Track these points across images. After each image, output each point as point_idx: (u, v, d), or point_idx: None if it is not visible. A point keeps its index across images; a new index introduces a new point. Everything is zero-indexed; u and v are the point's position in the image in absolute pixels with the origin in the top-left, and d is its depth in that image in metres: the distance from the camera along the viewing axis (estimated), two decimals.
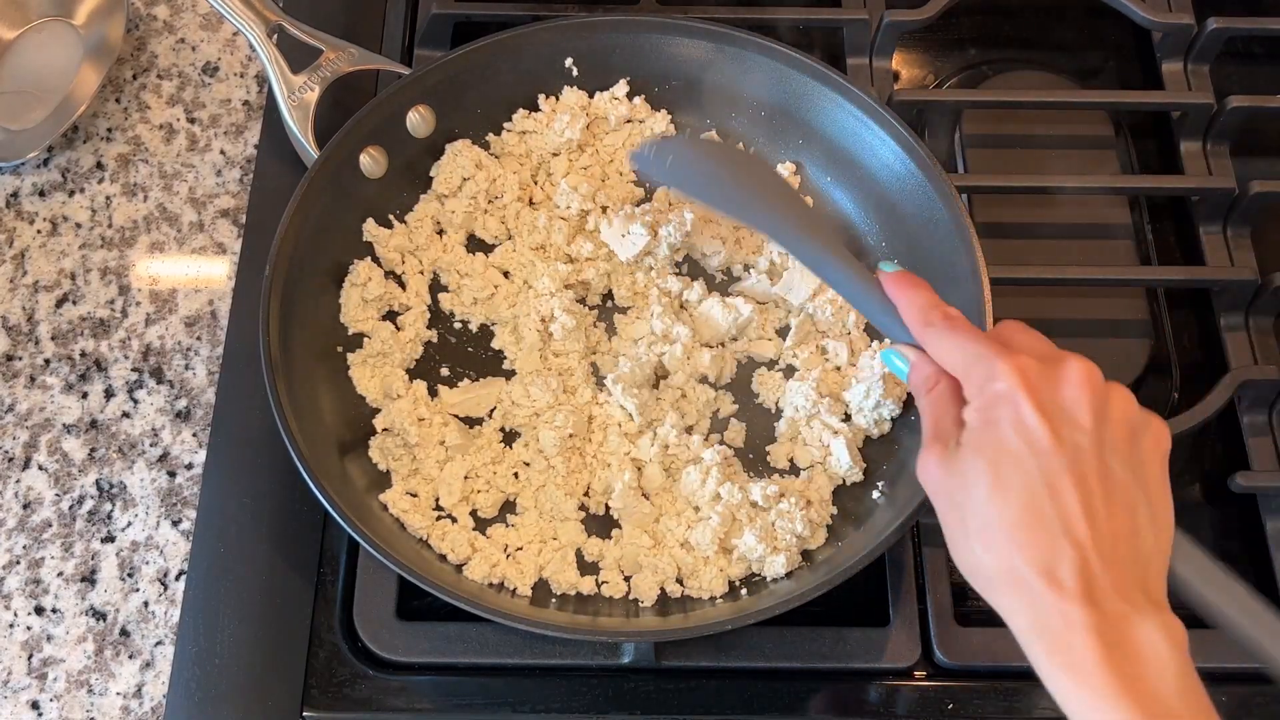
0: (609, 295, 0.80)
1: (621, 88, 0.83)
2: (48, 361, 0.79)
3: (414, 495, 0.72)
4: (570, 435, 0.73)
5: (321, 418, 0.72)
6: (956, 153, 0.88)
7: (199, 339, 0.80)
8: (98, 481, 0.76)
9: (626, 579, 0.71)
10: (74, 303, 0.81)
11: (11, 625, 0.72)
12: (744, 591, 0.70)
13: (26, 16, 0.89)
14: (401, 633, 0.69)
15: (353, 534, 0.65)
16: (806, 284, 0.78)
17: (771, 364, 0.78)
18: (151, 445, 0.77)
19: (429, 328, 0.78)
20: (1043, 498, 0.51)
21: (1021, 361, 0.54)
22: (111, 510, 0.75)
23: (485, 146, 0.82)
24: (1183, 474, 0.79)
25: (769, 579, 0.70)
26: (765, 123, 0.82)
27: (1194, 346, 0.83)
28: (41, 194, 0.85)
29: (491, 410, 0.76)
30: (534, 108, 0.83)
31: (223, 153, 0.87)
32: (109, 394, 0.78)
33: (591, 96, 0.83)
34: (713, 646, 0.69)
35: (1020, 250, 0.83)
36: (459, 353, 0.78)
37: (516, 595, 0.69)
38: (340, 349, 0.76)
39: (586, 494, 0.73)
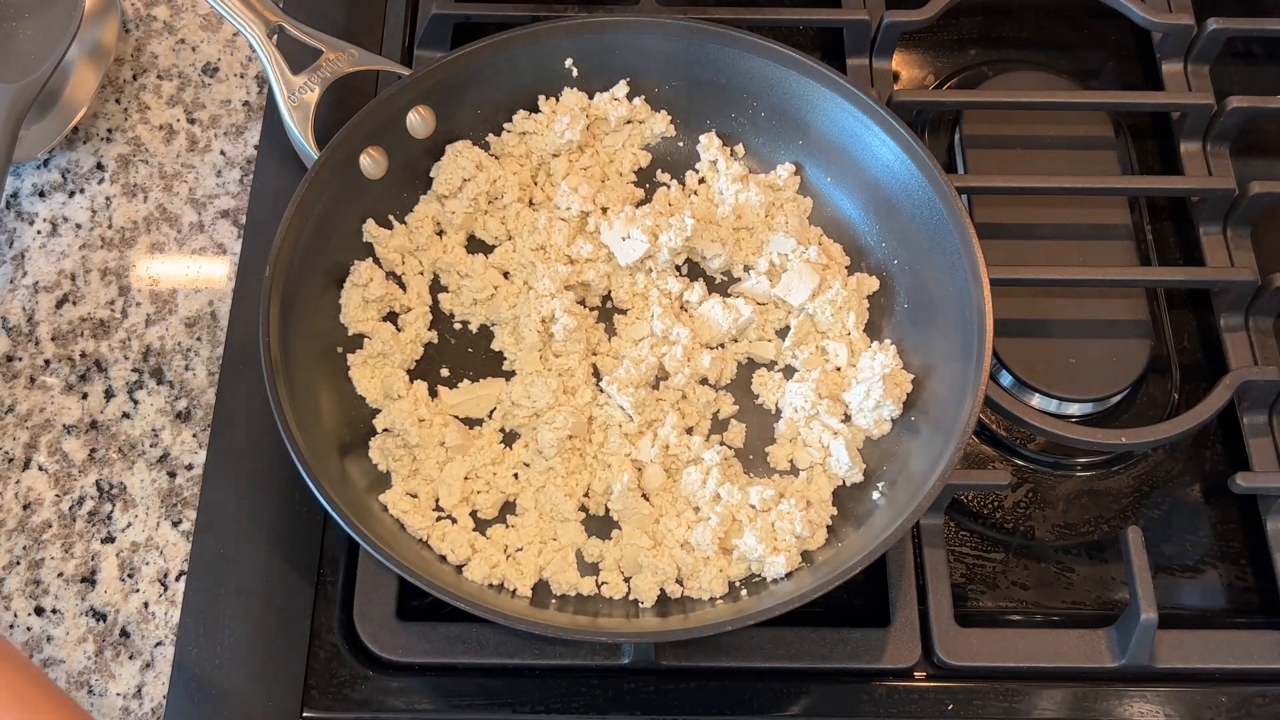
0: (609, 296, 0.80)
1: (621, 88, 0.83)
2: (48, 362, 0.79)
3: (414, 496, 0.72)
4: (570, 436, 0.73)
5: (321, 418, 0.72)
6: (956, 153, 0.88)
7: (199, 339, 0.80)
8: (98, 482, 0.76)
9: (626, 580, 0.71)
10: (74, 303, 0.81)
11: (11, 626, 0.72)
12: (744, 592, 0.70)
13: None
14: (401, 633, 0.69)
15: (353, 535, 0.65)
16: (806, 285, 0.78)
17: (771, 365, 0.78)
18: (151, 446, 0.77)
19: (429, 329, 0.78)
20: None
21: None
22: (111, 511, 0.75)
23: (485, 147, 0.82)
24: (1183, 475, 0.79)
25: (769, 579, 0.70)
26: (765, 123, 0.82)
27: (1194, 347, 0.83)
28: (41, 194, 0.85)
29: (491, 411, 0.76)
30: (534, 108, 0.83)
31: (223, 153, 0.87)
32: (109, 394, 0.78)
33: (591, 97, 0.83)
34: (713, 647, 0.69)
35: (1020, 251, 0.83)
36: (459, 353, 0.78)
37: (516, 596, 0.69)
38: (340, 349, 0.76)
39: (586, 495, 0.73)
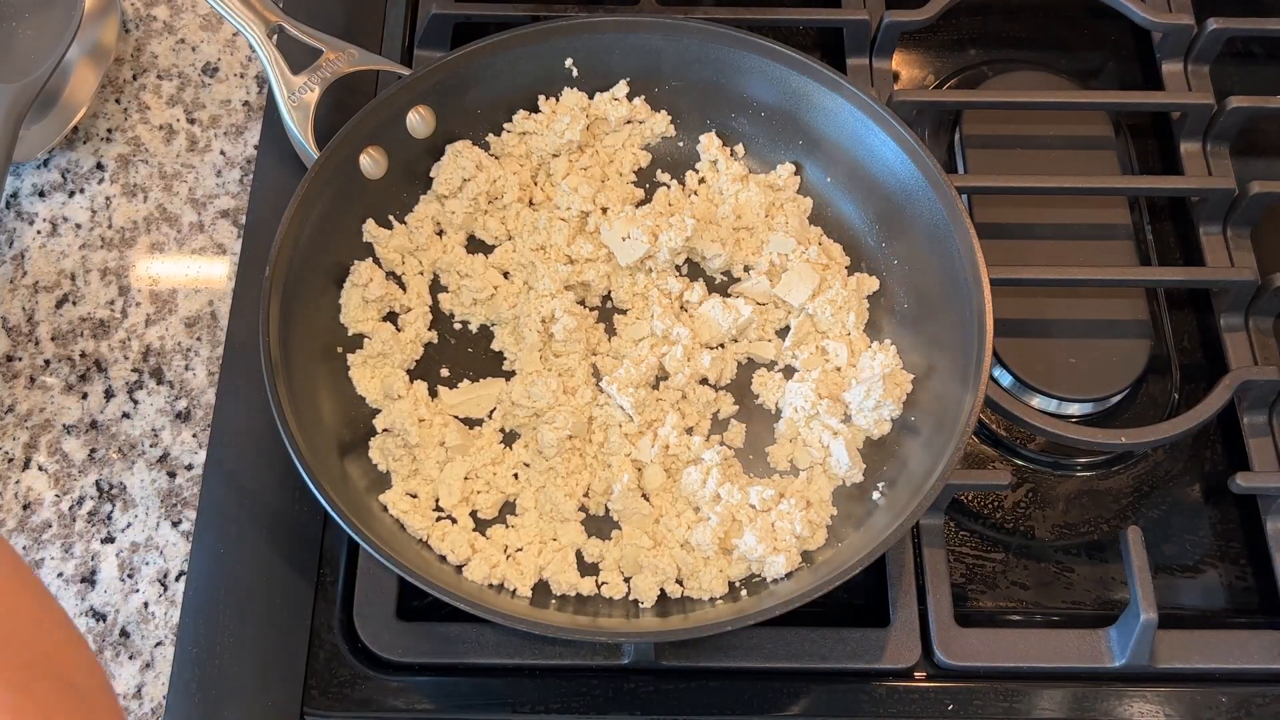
0: (609, 296, 0.80)
1: (621, 88, 0.83)
2: (48, 362, 0.79)
3: (414, 496, 0.72)
4: (570, 436, 0.73)
5: (321, 418, 0.72)
6: (956, 153, 0.88)
7: (199, 339, 0.80)
8: (97, 482, 0.76)
9: (626, 580, 0.71)
10: (74, 303, 0.81)
11: None
12: (744, 592, 0.70)
13: None
14: (401, 633, 0.69)
15: (353, 535, 0.65)
16: (806, 285, 0.78)
17: (771, 365, 0.78)
18: (151, 446, 0.77)
19: (429, 329, 0.78)
20: None
21: None
22: (111, 511, 0.75)
23: (485, 147, 0.82)
24: (1183, 475, 0.79)
25: (769, 579, 0.70)
26: (765, 123, 0.83)
27: (1194, 347, 0.83)
28: (41, 194, 0.85)
29: (491, 411, 0.76)
30: (534, 108, 0.83)
31: (223, 153, 0.87)
32: (109, 394, 0.78)
33: (591, 97, 0.83)
34: (713, 647, 0.69)
35: (1020, 251, 0.83)
36: (459, 353, 0.78)
37: (516, 596, 0.69)
38: (340, 349, 0.76)
39: (586, 495, 0.73)
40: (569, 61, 0.82)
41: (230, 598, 0.71)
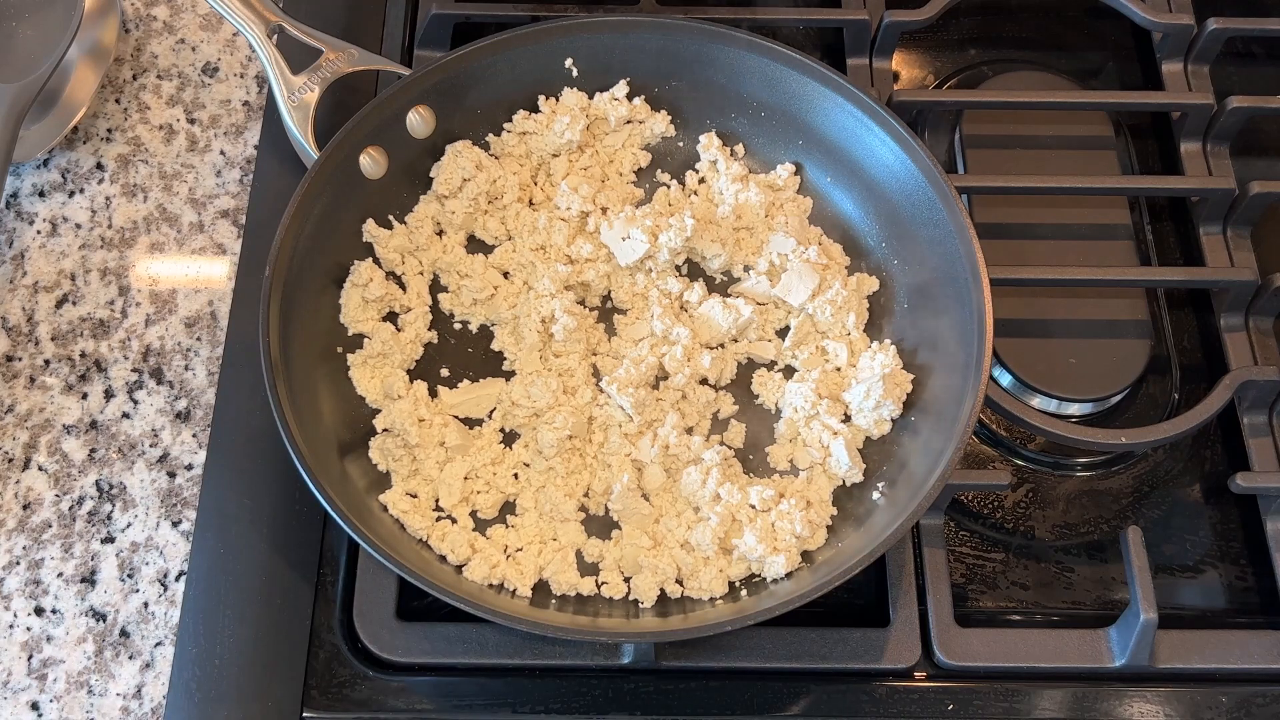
0: (609, 296, 0.80)
1: (621, 88, 0.83)
2: (48, 362, 0.79)
3: (414, 496, 0.72)
4: (570, 436, 0.73)
5: (321, 418, 0.72)
6: (956, 153, 0.88)
7: (199, 339, 0.80)
8: (97, 482, 0.76)
9: (626, 580, 0.71)
10: (74, 303, 0.81)
11: (11, 626, 0.72)
12: (744, 592, 0.70)
13: None
14: (401, 633, 0.69)
15: (353, 535, 0.65)
16: (806, 285, 0.78)
17: (771, 365, 0.78)
18: (151, 446, 0.77)
19: (429, 329, 0.78)
20: None
21: None
22: (111, 511, 0.75)
23: (485, 147, 0.82)
24: (1183, 475, 0.79)
25: (769, 579, 0.70)
26: (765, 123, 0.83)
27: (1194, 347, 0.83)
28: (41, 194, 0.85)
29: (491, 411, 0.76)
30: (534, 108, 0.83)
31: (223, 153, 0.87)
32: (109, 394, 0.78)
33: (591, 97, 0.83)
34: (713, 647, 0.69)
35: (1020, 251, 0.83)
36: (459, 353, 0.78)
37: (516, 596, 0.69)
38: (340, 349, 0.76)
39: (586, 495, 0.73)
40: (569, 61, 0.82)
41: (230, 598, 0.71)
